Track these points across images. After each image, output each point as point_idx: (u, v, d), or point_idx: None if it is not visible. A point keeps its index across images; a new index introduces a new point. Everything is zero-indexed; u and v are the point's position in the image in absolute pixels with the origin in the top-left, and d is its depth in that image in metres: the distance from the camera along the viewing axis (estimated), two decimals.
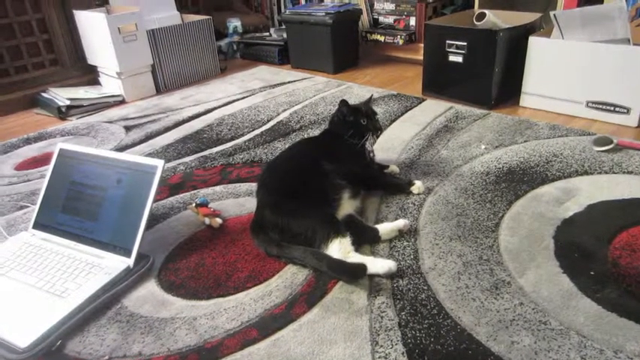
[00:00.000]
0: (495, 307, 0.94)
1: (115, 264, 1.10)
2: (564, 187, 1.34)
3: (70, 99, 2.23)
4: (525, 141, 1.64)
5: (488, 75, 1.93)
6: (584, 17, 1.76)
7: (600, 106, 1.77)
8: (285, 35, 2.81)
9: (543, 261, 1.05)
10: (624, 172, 1.39)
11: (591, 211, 1.22)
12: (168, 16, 2.60)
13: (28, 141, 1.97)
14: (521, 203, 1.28)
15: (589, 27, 1.77)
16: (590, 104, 1.79)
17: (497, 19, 2.01)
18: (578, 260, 1.05)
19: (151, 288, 1.08)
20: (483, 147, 1.62)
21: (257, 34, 3.11)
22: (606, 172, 1.40)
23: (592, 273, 1.00)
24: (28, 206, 1.45)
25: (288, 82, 2.47)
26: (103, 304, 1.03)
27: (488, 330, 0.89)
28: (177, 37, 2.50)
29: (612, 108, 1.75)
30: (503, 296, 0.96)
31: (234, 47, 3.10)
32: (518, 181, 1.39)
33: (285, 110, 2.08)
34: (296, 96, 2.26)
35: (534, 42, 1.86)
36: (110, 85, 2.42)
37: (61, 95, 2.27)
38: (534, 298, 0.95)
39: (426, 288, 1.00)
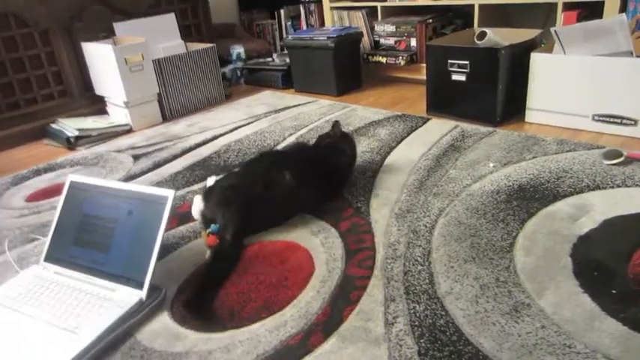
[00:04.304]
0: (517, 330, 0.92)
1: (127, 297, 1.09)
2: (577, 203, 1.32)
3: (79, 129, 2.25)
4: (534, 157, 1.63)
5: (492, 92, 1.93)
6: (585, 32, 1.77)
7: (607, 119, 1.77)
8: (287, 60, 2.84)
9: (562, 280, 1.04)
10: (637, 185, 1.38)
11: (607, 227, 1.20)
12: (173, 45, 2.64)
13: (38, 172, 1.98)
14: (534, 221, 1.26)
15: (591, 41, 1.77)
16: (596, 117, 1.79)
17: (497, 37, 2.03)
18: (598, 278, 1.03)
19: (163, 321, 1.06)
20: (492, 165, 1.61)
21: (260, 60, 3.15)
22: (619, 186, 1.39)
23: (614, 291, 0.99)
24: (39, 239, 1.45)
25: (293, 106, 2.49)
26: (117, 339, 1.01)
27: (511, 356, 0.86)
28: (182, 65, 2.53)
29: (619, 120, 1.74)
30: (523, 319, 0.94)
31: (238, 73, 3.13)
32: (529, 198, 1.38)
33: (291, 135, 2.09)
34: (301, 120, 2.27)
35: (536, 58, 1.86)
36: (117, 115, 2.45)
37: (69, 126, 2.29)
38: (556, 320, 0.93)
39: (444, 313, 0.99)
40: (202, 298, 1.11)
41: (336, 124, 1.65)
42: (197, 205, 1.44)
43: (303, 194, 1.41)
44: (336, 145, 1.61)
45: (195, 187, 1.68)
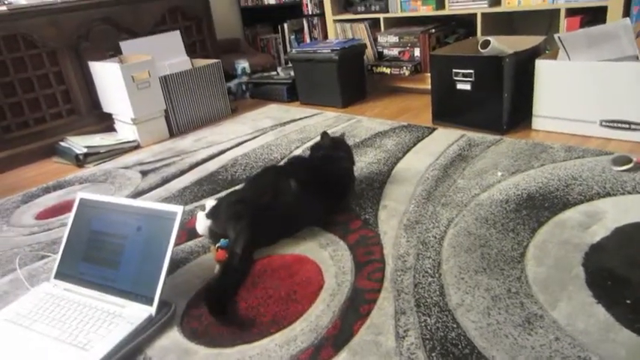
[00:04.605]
0: (530, 343, 0.90)
1: (137, 313, 1.09)
2: (588, 211, 1.31)
3: (87, 147, 2.27)
4: (542, 165, 1.62)
5: (497, 100, 1.93)
6: (589, 38, 1.77)
7: (615, 125, 1.76)
8: (292, 73, 2.86)
9: (575, 291, 1.02)
10: None
11: (619, 235, 1.19)
12: (179, 61, 2.67)
13: (47, 190, 1.99)
14: (545, 230, 1.25)
15: (595, 47, 1.77)
16: (604, 123, 1.78)
17: (501, 45, 2.03)
18: (611, 288, 1.01)
19: (173, 336, 1.06)
20: (500, 174, 1.60)
21: (265, 74, 3.17)
22: (629, 193, 1.37)
23: (628, 301, 0.97)
24: (49, 256, 1.45)
25: (299, 119, 2.50)
26: (127, 355, 1.01)
27: None
28: (188, 81, 2.56)
29: (627, 126, 1.73)
30: (537, 331, 0.93)
31: (244, 88, 3.15)
32: (539, 207, 1.37)
33: (297, 147, 2.10)
34: (307, 132, 2.27)
35: (541, 65, 1.86)
36: (125, 131, 2.47)
37: (78, 143, 2.31)
38: (570, 331, 0.92)
39: (455, 326, 0.98)
40: (223, 302, 1.12)
41: (324, 135, 1.67)
42: (201, 221, 1.45)
43: (311, 203, 1.42)
44: (332, 154, 1.62)
45: (204, 201, 1.69)
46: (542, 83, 1.88)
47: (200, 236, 1.46)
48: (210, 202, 1.51)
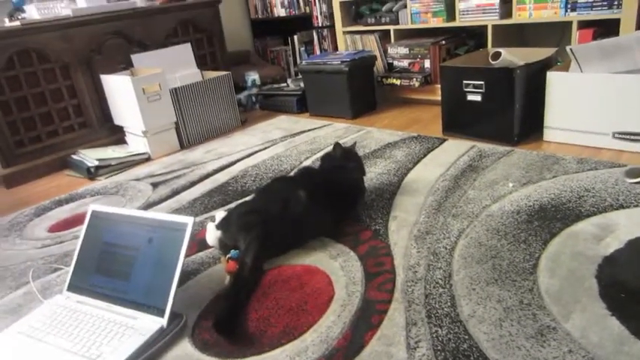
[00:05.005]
0: (543, 355, 0.89)
1: (148, 324, 1.09)
2: (601, 223, 1.30)
3: (99, 159, 2.30)
4: (554, 176, 1.61)
5: (508, 112, 1.93)
6: (602, 50, 1.77)
7: (628, 137, 1.75)
8: (302, 85, 2.88)
9: (588, 303, 1.01)
10: None
11: (633, 247, 1.18)
12: (190, 74, 2.70)
13: (59, 203, 2.02)
14: (557, 242, 1.24)
15: (608, 59, 1.76)
16: (616, 135, 1.77)
17: (512, 56, 2.03)
18: (625, 301, 1.00)
19: (185, 348, 1.06)
20: (511, 185, 1.59)
21: (275, 85, 3.20)
22: None
23: None
24: (61, 268, 1.47)
25: (309, 130, 2.51)
26: None
27: None
28: (198, 93, 2.58)
29: None
30: (550, 343, 0.92)
31: (254, 99, 3.18)
32: (551, 218, 1.36)
33: (307, 158, 2.11)
34: (317, 143, 2.28)
35: (553, 77, 1.86)
36: (136, 144, 2.49)
37: (89, 156, 2.34)
38: (584, 344, 0.91)
39: (467, 337, 0.97)
40: (233, 319, 1.12)
41: (337, 145, 1.66)
42: (211, 232, 1.46)
43: (320, 213, 1.42)
44: (342, 164, 1.62)
45: (214, 212, 1.70)
46: (553, 95, 1.87)
47: (210, 247, 1.47)
48: (220, 214, 1.52)
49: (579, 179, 1.56)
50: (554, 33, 2.39)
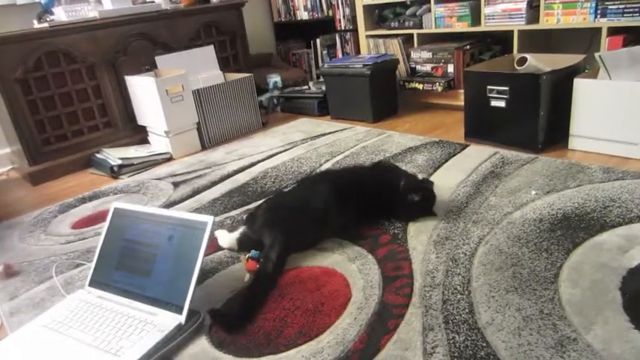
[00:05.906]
0: None
1: (167, 321, 1.11)
2: (626, 234, 1.26)
3: (122, 158, 2.34)
4: (578, 185, 1.58)
5: (533, 119, 1.89)
6: (632, 57, 1.73)
7: None
8: (323, 88, 2.89)
9: (611, 315, 0.99)
10: None
11: None
12: (212, 75, 2.74)
13: (83, 200, 2.06)
14: (580, 252, 1.22)
15: (638, 67, 1.72)
16: None
17: (538, 62, 2.00)
18: None
19: (202, 345, 1.07)
20: (534, 192, 1.57)
21: (296, 88, 3.21)
22: None
23: None
24: (84, 264, 1.50)
25: (329, 133, 2.51)
26: None
27: None
28: (220, 95, 2.61)
29: None
30: (570, 354, 0.90)
31: (275, 101, 3.20)
32: (574, 228, 1.33)
33: (327, 161, 2.11)
34: (337, 146, 2.28)
35: (580, 84, 1.82)
36: (159, 144, 2.53)
37: (113, 155, 2.39)
38: (605, 356, 0.88)
39: (484, 345, 0.95)
40: (245, 317, 1.13)
41: (413, 177, 1.59)
42: (224, 236, 1.48)
43: (343, 211, 1.43)
44: (390, 173, 1.61)
45: (233, 213, 1.71)
46: (580, 102, 1.84)
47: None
48: (222, 233, 1.50)
49: (605, 189, 1.53)
50: (583, 40, 2.34)
